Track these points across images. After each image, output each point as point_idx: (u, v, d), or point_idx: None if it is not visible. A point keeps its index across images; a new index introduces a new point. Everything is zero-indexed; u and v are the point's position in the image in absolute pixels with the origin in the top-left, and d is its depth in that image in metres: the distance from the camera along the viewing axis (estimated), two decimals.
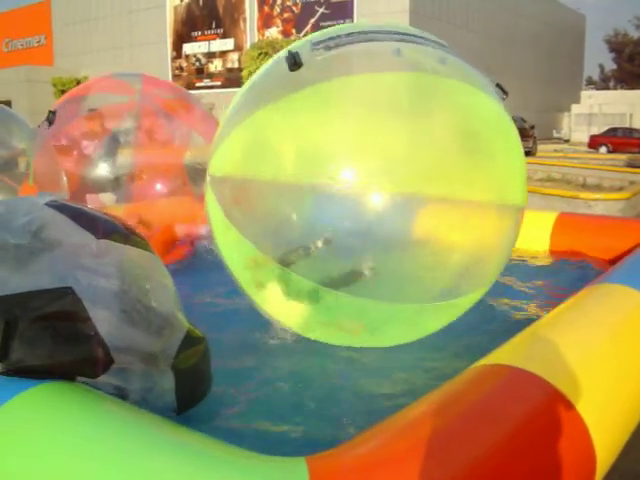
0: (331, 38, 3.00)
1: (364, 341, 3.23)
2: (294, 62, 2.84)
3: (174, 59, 41.20)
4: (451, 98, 3.04)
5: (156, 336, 2.43)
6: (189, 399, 2.60)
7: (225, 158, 3.20)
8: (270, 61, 3.29)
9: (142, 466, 1.77)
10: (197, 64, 40.03)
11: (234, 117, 3.19)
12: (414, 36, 3.19)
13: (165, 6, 40.87)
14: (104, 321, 2.26)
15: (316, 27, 33.97)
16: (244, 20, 37.88)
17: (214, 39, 39.18)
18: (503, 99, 3.20)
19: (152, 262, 2.60)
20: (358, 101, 2.92)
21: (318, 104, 2.95)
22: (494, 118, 3.13)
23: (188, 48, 40.46)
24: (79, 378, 2.24)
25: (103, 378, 2.27)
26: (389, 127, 2.89)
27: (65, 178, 5.02)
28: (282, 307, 3.14)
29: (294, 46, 3.04)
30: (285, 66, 2.87)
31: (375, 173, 2.81)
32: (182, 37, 40.73)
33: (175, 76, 39.73)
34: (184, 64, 40.78)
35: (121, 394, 2.31)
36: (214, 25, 39.24)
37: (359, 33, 3.06)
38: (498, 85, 3.24)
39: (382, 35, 3.11)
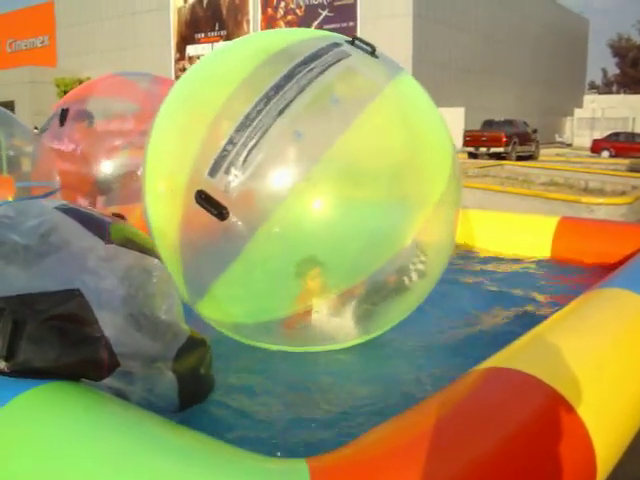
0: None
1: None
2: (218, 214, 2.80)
3: (177, 61, 41.27)
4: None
5: (159, 341, 2.46)
6: (189, 400, 2.62)
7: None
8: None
9: (144, 466, 1.78)
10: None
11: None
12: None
13: (169, 8, 40.96)
14: (110, 324, 2.30)
15: (319, 30, 34.01)
16: (247, 22, 37.96)
17: (217, 41, 39.23)
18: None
19: (158, 269, 2.63)
20: None
21: None
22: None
23: (191, 50, 40.52)
24: (84, 380, 2.27)
25: (106, 381, 2.29)
26: None
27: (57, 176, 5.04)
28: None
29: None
30: None
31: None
32: (185, 39, 40.81)
33: (178, 77, 39.78)
34: (187, 66, 40.82)
35: (123, 395, 2.33)
36: (217, 27, 39.32)
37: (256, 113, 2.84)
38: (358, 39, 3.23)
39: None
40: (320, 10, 35.13)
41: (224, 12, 38.93)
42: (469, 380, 2.38)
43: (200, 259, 3.13)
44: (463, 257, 5.66)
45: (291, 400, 2.93)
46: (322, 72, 2.93)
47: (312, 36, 3.34)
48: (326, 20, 34.63)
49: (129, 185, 5.07)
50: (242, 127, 2.78)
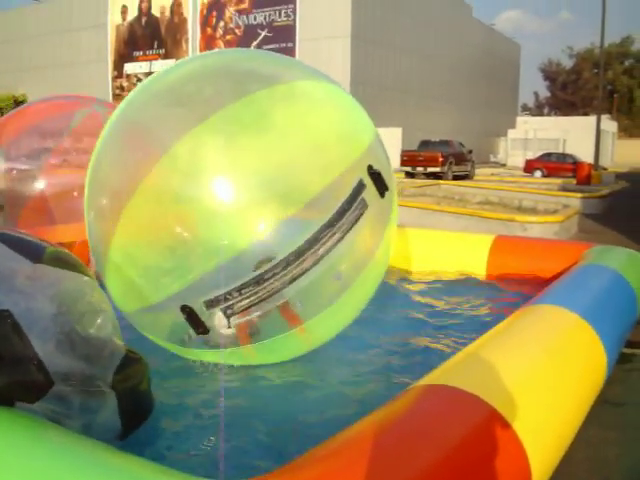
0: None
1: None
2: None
3: (115, 78, 40.79)
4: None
5: (95, 359, 2.41)
6: (132, 420, 2.57)
7: None
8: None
9: None
10: (138, 84, 39.69)
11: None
12: None
13: (107, 25, 40.50)
14: (41, 344, 2.24)
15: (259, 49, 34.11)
16: (186, 41, 37.82)
17: (156, 59, 38.97)
18: None
19: (89, 286, 2.59)
20: None
21: None
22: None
23: (129, 68, 40.13)
24: (18, 404, 2.20)
25: (43, 404, 2.23)
26: None
27: None
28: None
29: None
30: None
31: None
32: (123, 56, 40.40)
33: (116, 95, 39.28)
34: (125, 84, 40.37)
35: (62, 421, 2.27)
36: (156, 45, 39.06)
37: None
38: None
39: None
40: (259, 30, 35.28)
41: (163, 31, 38.72)
42: (406, 398, 2.40)
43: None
44: (399, 274, 5.72)
45: (235, 418, 2.89)
46: (341, 239, 3.03)
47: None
48: (265, 40, 34.80)
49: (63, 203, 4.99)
50: (250, 284, 2.91)
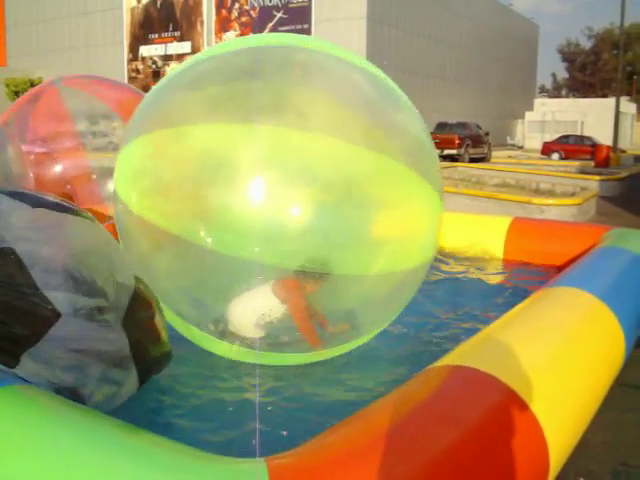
0: None
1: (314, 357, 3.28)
2: None
3: (130, 61, 40.74)
4: None
5: (101, 295, 2.45)
6: (147, 363, 2.63)
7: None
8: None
9: (100, 470, 1.75)
10: (153, 67, 39.64)
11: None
12: None
13: (122, 8, 40.42)
14: (45, 281, 2.30)
15: (274, 31, 33.94)
16: (201, 23, 37.66)
17: (171, 42, 38.85)
18: None
19: (92, 227, 2.66)
20: None
21: None
22: None
23: (145, 50, 40.05)
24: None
25: (60, 375, 2.26)
26: None
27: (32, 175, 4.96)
28: None
29: None
30: None
31: None
32: (138, 39, 40.31)
33: (131, 78, 39.28)
34: (140, 66, 40.34)
35: (79, 389, 2.31)
36: (171, 28, 38.92)
37: None
38: None
39: None
40: (274, 12, 35.05)
41: (178, 13, 38.56)
42: (424, 378, 2.41)
43: None
44: None
45: (247, 399, 2.92)
46: None
47: None
48: (280, 22, 34.58)
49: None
50: None
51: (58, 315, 2.28)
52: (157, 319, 2.74)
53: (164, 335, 2.79)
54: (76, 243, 2.49)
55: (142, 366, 2.59)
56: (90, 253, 2.50)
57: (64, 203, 2.65)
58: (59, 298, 2.30)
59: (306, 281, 2.90)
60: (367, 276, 3.00)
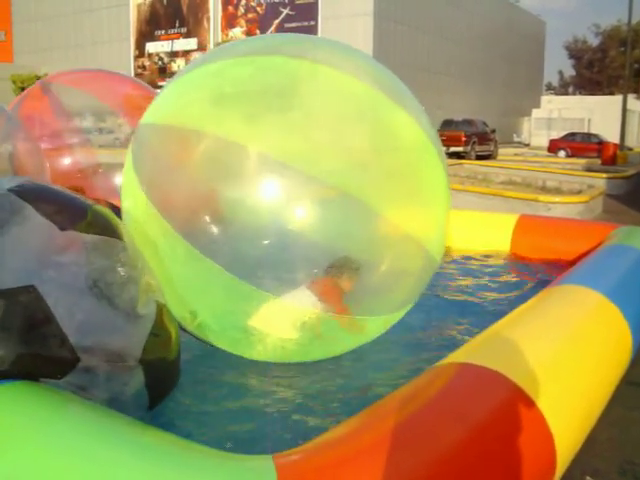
0: None
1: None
2: None
3: (137, 57, 40.78)
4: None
5: (121, 332, 2.39)
6: (159, 390, 2.59)
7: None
8: None
9: (108, 466, 1.76)
10: (160, 63, 39.68)
11: None
12: None
13: (128, 4, 40.45)
14: (68, 319, 2.22)
15: (280, 28, 33.93)
16: (208, 20, 37.66)
17: (177, 38, 38.88)
18: None
19: (118, 249, 2.49)
20: None
21: None
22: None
23: (151, 47, 40.09)
24: (44, 380, 2.20)
25: (69, 379, 2.23)
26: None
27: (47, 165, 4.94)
28: None
29: None
30: None
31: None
32: (145, 36, 40.34)
33: (137, 74, 39.30)
34: (147, 63, 40.39)
35: (88, 394, 2.28)
36: (178, 24, 38.94)
37: None
38: None
39: None
40: (281, 8, 35.02)
41: (184, 9, 38.57)
42: (431, 375, 2.41)
43: None
44: None
45: (257, 398, 2.93)
46: None
47: None
48: (287, 19, 34.56)
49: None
50: None
51: (77, 360, 2.23)
52: (174, 350, 2.71)
53: (178, 362, 2.77)
54: (103, 271, 2.40)
55: (155, 393, 2.57)
56: (118, 285, 2.42)
57: (98, 220, 2.53)
58: (80, 339, 2.25)
59: (341, 278, 2.90)
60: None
